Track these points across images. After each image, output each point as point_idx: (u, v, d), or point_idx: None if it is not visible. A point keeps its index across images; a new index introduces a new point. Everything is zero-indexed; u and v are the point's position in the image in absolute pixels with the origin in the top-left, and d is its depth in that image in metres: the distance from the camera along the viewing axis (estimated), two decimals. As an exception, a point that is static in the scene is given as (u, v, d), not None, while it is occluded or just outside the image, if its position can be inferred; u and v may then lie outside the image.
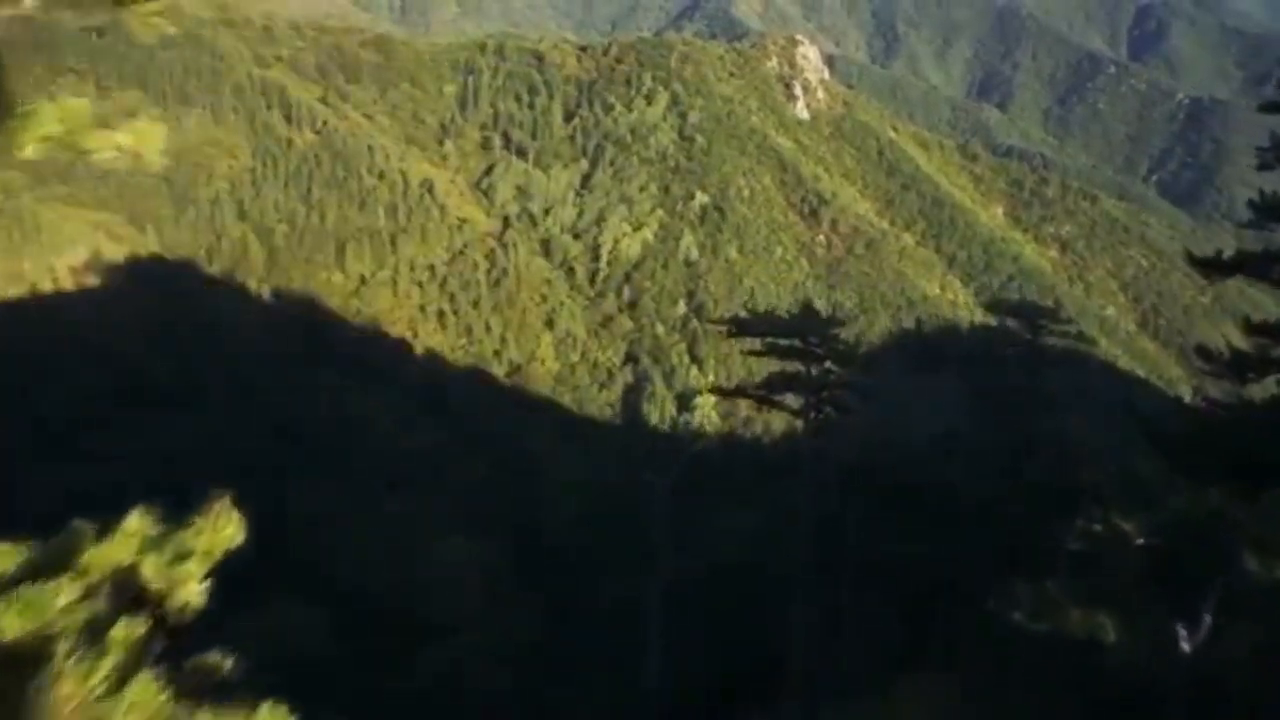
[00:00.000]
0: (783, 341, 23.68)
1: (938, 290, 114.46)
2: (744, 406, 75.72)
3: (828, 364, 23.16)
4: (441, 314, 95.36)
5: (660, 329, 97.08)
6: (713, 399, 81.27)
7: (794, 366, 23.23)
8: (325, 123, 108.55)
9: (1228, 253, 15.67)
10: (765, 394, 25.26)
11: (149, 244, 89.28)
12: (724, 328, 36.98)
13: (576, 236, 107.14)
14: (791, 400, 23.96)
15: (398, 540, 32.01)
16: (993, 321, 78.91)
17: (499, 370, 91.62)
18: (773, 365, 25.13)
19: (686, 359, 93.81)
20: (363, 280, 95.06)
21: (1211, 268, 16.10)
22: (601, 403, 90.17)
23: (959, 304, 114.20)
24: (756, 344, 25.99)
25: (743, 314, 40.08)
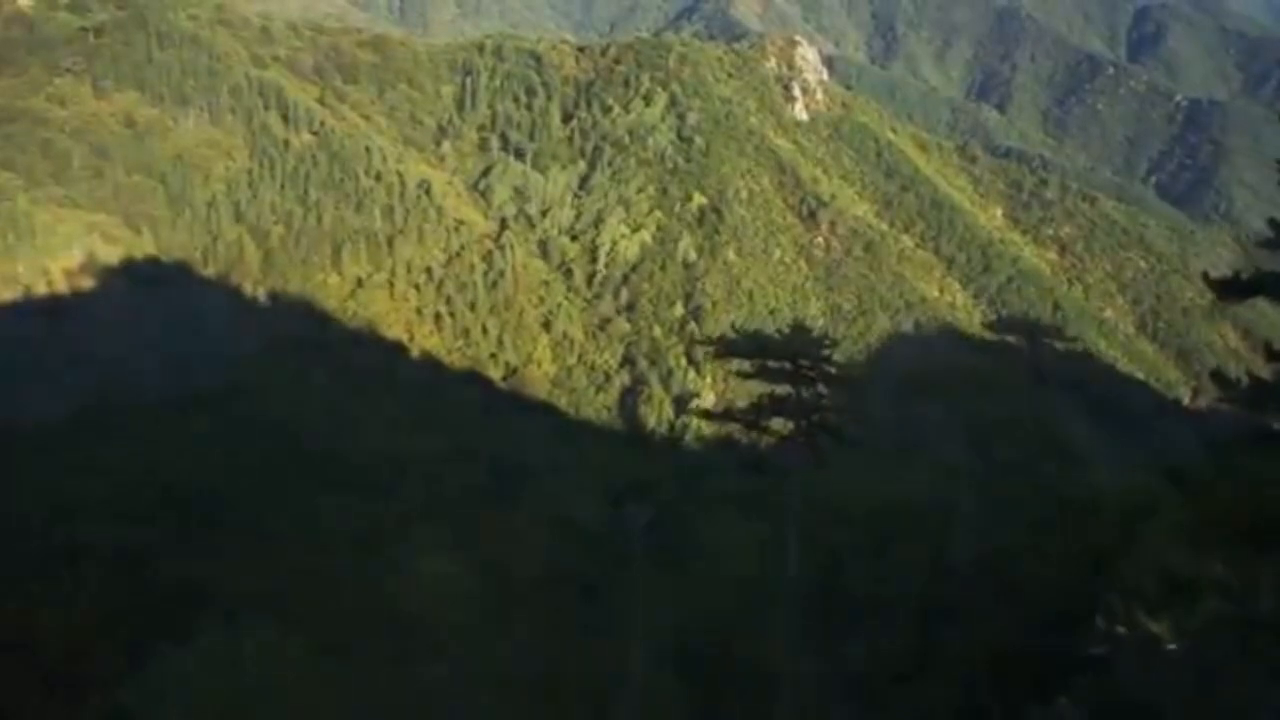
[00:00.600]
0: (772, 363, 23.20)
1: (937, 292, 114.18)
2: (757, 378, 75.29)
3: (819, 387, 22.66)
4: (438, 316, 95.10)
5: (658, 331, 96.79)
6: (709, 403, 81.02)
7: (784, 389, 22.76)
8: (322, 123, 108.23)
9: (1246, 273, 14.58)
10: (754, 418, 24.73)
11: (145, 246, 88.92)
12: (711, 349, 36.37)
13: (574, 238, 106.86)
14: (782, 425, 23.43)
15: (388, 552, 31.80)
16: (991, 336, 78.56)
17: (496, 373, 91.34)
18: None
19: (684, 361, 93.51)
20: (359, 282, 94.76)
21: (1229, 290, 15.10)
22: (599, 405, 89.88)
23: (957, 306, 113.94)
24: (745, 365, 25.42)
25: (730, 334, 39.35)
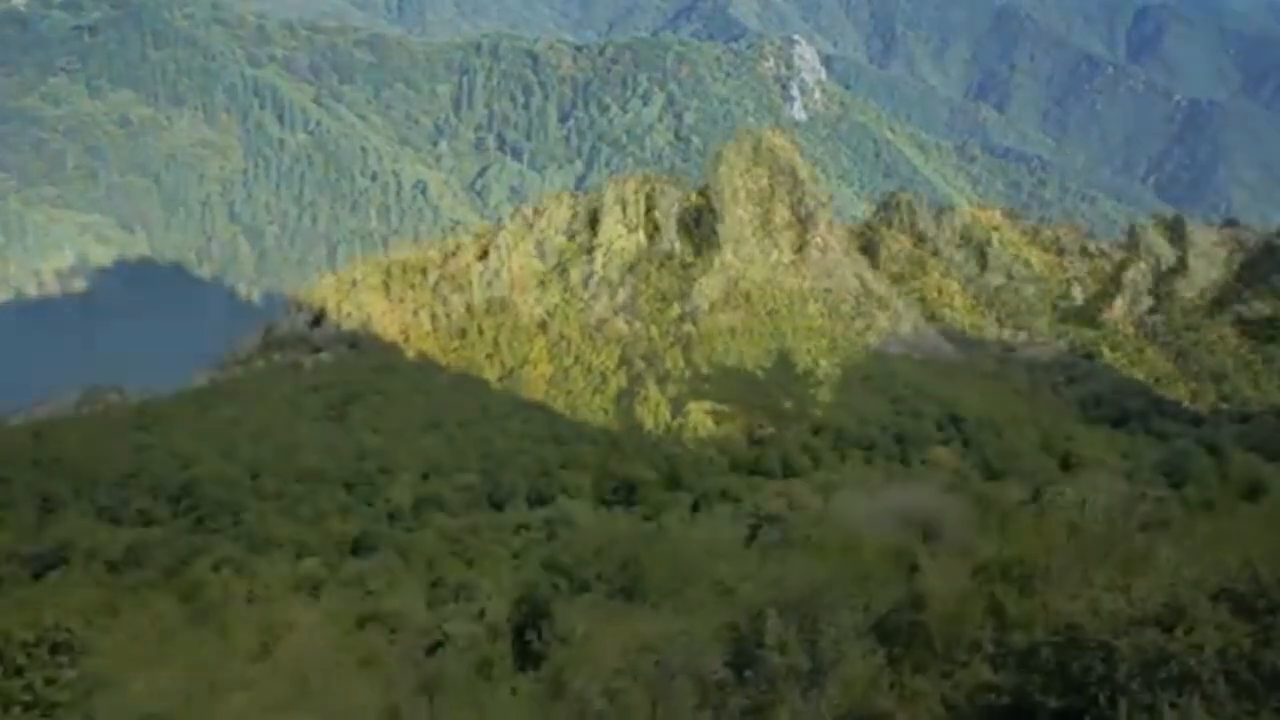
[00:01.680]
0: (752, 401, 22.62)
1: (935, 293, 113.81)
2: (739, 414, 74.99)
3: (803, 425, 22.12)
4: (434, 316, 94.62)
5: (654, 332, 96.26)
6: (705, 404, 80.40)
7: (765, 429, 22.29)
8: (318, 123, 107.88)
9: None
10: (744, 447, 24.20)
11: (138, 246, 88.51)
12: (690, 386, 35.49)
13: (571, 238, 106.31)
14: (766, 465, 22.86)
15: (372, 559, 31.42)
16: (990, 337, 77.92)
17: (492, 373, 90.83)
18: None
19: (681, 362, 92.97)
20: (354, 283, 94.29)
21: (1265, 334, 14.06)
22: (595, 407, 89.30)
23: (956, 306, 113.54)
24: (724, 408, 24.85)
25: (706, 369, 38.64)
